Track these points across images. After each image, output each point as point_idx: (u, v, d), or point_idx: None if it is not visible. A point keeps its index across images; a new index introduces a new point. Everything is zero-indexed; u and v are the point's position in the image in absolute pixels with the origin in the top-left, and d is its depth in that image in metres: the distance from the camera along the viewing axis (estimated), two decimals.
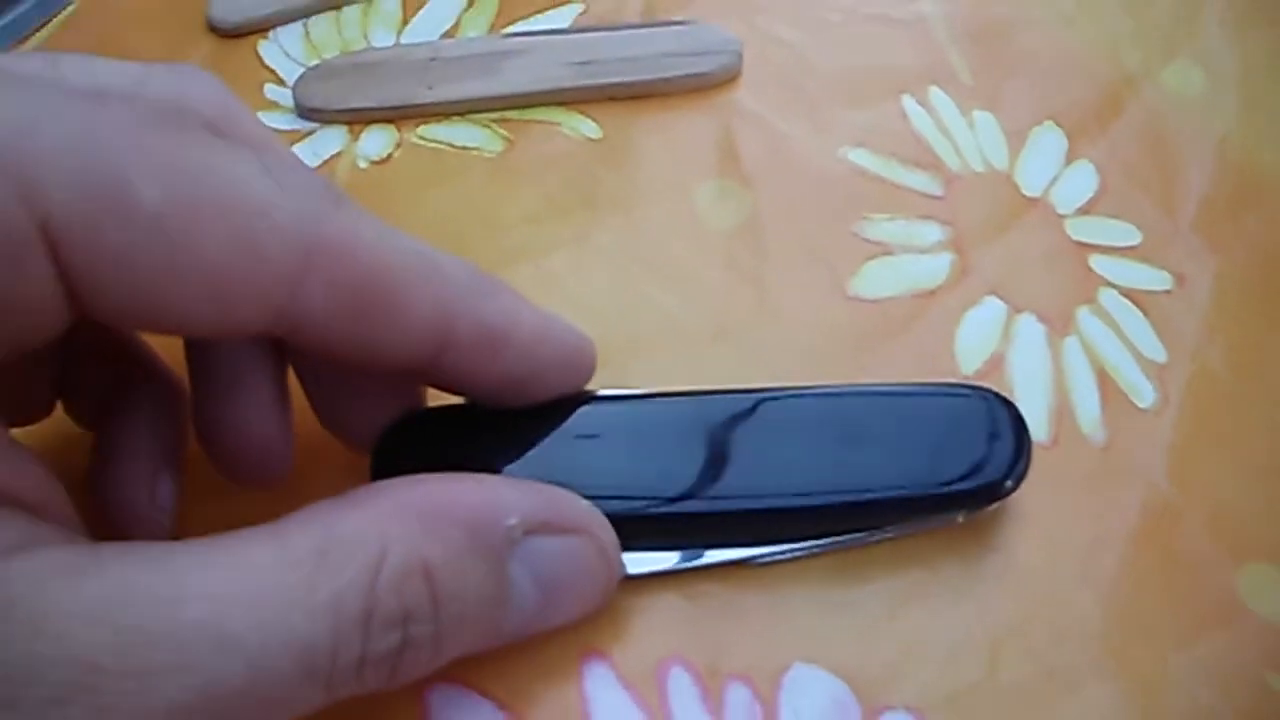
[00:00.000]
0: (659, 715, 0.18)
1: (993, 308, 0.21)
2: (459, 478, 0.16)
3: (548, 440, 0.19)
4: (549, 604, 0.17)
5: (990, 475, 0.18)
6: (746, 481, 0.18)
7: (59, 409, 0.19)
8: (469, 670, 0.18)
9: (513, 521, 0.16)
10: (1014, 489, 0.18)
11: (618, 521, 0.18)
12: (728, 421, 0.18)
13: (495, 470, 0.18)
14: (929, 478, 0.18)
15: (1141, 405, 0.21)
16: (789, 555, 0.19)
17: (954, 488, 0.18)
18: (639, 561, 0.19)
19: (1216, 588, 0.20)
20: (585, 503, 0.17)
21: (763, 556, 0.19)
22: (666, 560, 0.19)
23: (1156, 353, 0.21)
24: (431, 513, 0.15)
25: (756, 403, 0.19)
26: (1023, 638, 0.19)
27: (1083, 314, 0.22)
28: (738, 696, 0.19)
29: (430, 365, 0.17)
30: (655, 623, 0.19)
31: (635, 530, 0.18)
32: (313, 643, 0.13)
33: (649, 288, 0.22)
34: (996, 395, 0.19)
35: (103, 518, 0.18)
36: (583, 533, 0.17)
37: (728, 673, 0.19)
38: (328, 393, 0.19)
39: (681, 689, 0.19)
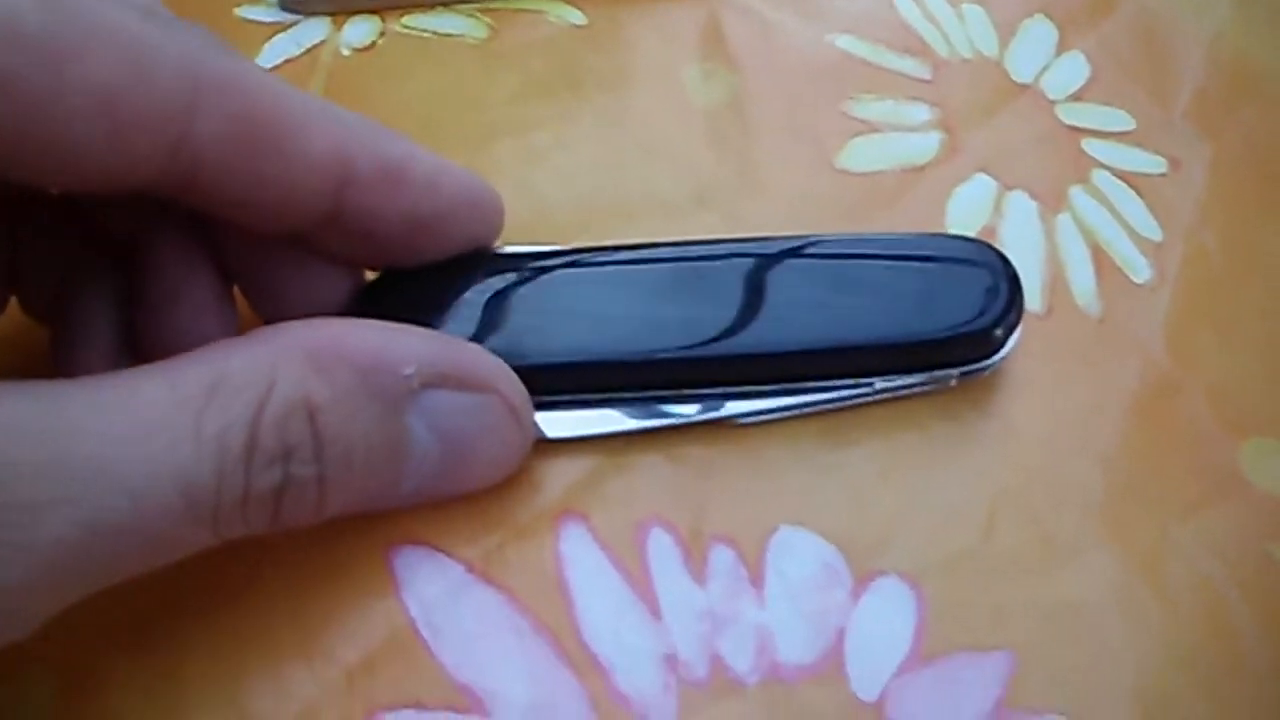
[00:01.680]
0: (638, 577, 0.18)
1: (983, 184, 0.21)
2: (358, 322, 0.16)
3: (522, 300, 0.18)
4: (453, 463, 0.16)
5: (981, 323, 0.17)
6: (729, 327, 0.17)
7: (14, 307, 0.19)
8: (437, 532, 0.18)
9: (409, 370, 0.15)
10: (1004, 339, 0.18)
11: (587, 369, 0.17)
12: (706, 270, 0.18)
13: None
14: (919, 323, 0.17)
15: (1137, 280, 0.20)
16: (775, 416, 0.18)
17: (944, 333, 0.17)
18: (615, 419, 0.18)
19: (1217, 461, 0.19)
20: (493, 358, 0.16)
21: (747, 415, 0.18)
22: (646, 419, 0.18)
23: (1152, 231, 0.21)
24: (323, 353, 0.15)
25: (735, 253, 0.18)
26: (1020, 504, 0.18)
27: (1076, 192, 0.21)
28: (721, 558, 0.18)
29: (333, 211, 0.16)
30: (635, 484, 0.18)
31: (608, 379, 0.17)
32: (198, 478, 0.13)
33: (633, 161, 0.21)
34: (990, 247, 0.18)
35: None
36: (488, 390, 0.16)
37: (711, 534, 0.18)
38: (265, 293, 0.18)
39: (662, 550, 0.18)
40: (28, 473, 0.12)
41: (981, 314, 0.17)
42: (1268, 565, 0.18)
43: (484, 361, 0.16)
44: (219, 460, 0.13)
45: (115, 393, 0.14)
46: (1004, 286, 0.18)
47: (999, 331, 0.18)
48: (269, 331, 0.15)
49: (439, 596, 0.18)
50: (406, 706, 0.17)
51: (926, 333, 0.17)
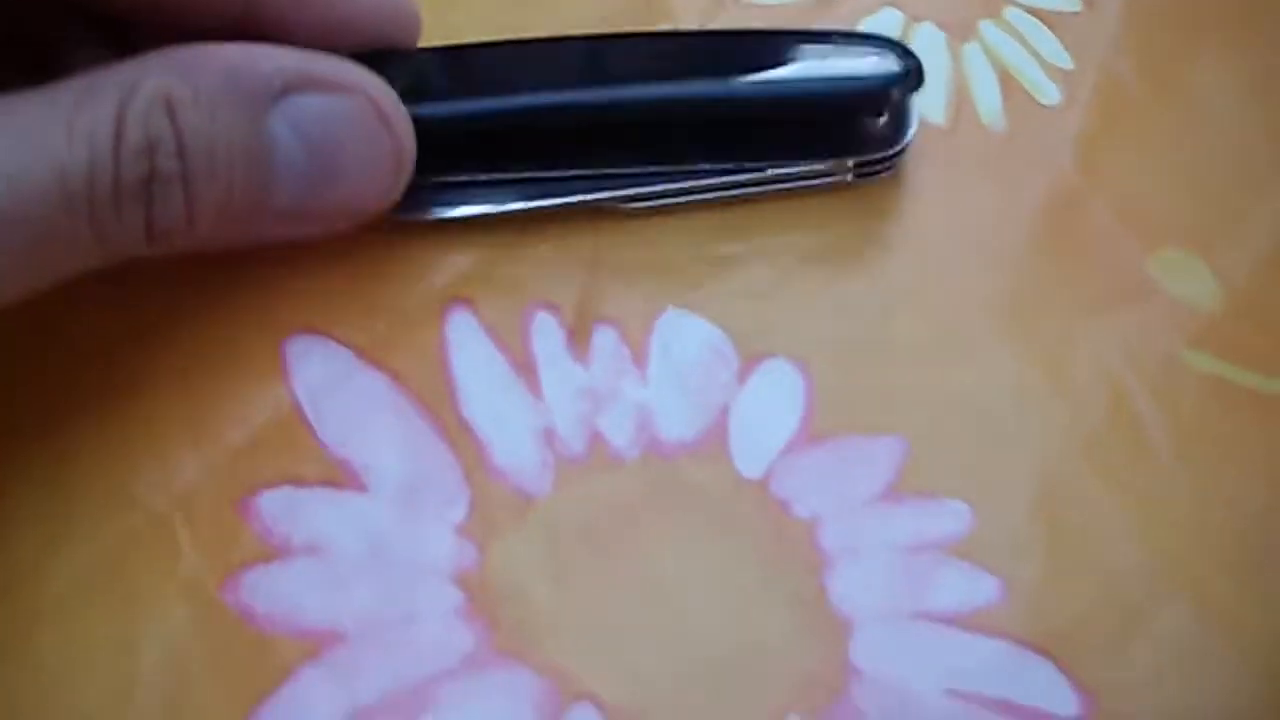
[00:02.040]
0: (520, 358, 0.17)
1: (890, 16, 0.21)
2: (229, 44, 0.16)
3: (431, 83, 0.18)
4: (322, 171, 0.16)
5: (874, 83, 0.17)
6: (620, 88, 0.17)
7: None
8: (328, 319, 0.18)
9: (270, 70, 0.15)
10: (901, 100, 0.18)
11: (479, 125, 0.17)
12: (611, 52, 0.18)
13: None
14: (814, 79, 0.17)
15: (1045, 102, 0.20)
16: (665, 201, 0.18)
17: (836, 84, 0.17)
18: (501, 197, 0.18)
19: (1126, 268, 0.19)
20: (360, 67, 0.16)
21: (636, 199, 0.18)
22: (533, 199, 0.18)
23: (1063, 61, 0.21)
24: (187, 59, 0.15)
25: (642, 41, 0.18)
26: (918, 300, 0.18)
27: (985, 25, 0.21)
28: (605, 339, 0.18)
29: (243, 17, 0.16)
30: (523, 271, 0.18)
31: (502, 146, 0.17)
32: (71, 165, 0.14)
33: None
34: (890, 40, 0.18)
35: None
36: (354, 92, 0.16)
37: (595, 317, 0.18)
38: None
39: (546, 333, 0.18)
40: None
41: (877, 76, 0.17)
42: (1175, 365, 0.18)
43: (349, 67, 0.16)
44: (90, 149, 0.14)
45: None
46: (901, 59, 0.17)
47: (895, 91, 0.17)
48: (144, 53, 0.15)
49: (325, 380, 0.17)
50: (286, 482, 0.17)
51: (822, 86, 0.17)
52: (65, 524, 0.17)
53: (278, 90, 0.15)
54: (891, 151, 0.18)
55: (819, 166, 0.18)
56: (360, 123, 0.16)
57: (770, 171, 0.18)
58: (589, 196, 0.18)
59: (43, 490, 0.17)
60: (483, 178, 0.18)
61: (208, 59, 0.15)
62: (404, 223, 0.18)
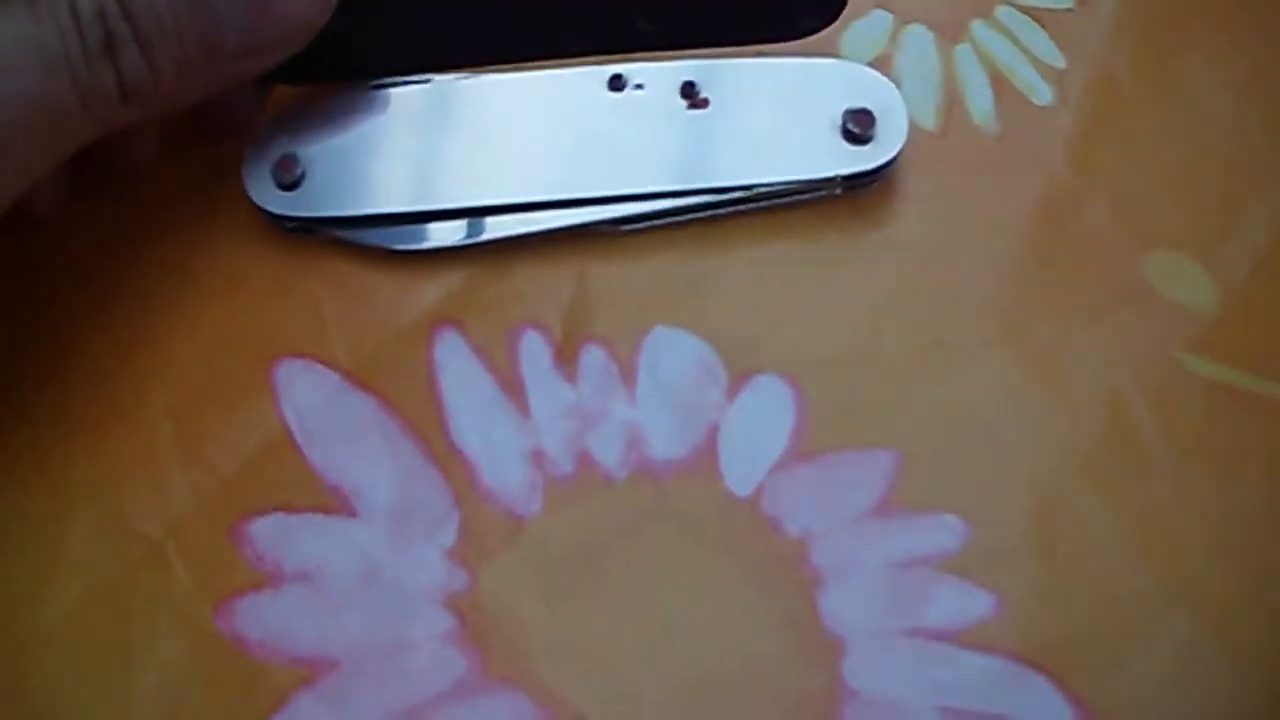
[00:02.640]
0: (509, 378, 0.17)
1: (880, 18, 0.20)
2: None
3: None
4: (259, 8, 0.17)
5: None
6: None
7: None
8: (317, 342, 0.18)
9: None
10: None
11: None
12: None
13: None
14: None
15: (1038, 102, 0.19)
16: (653, 224, 0.18)
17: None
18: (482, 228, 0.18)
19: (1123, 271, 0.18)
20: None
21: (626, 220, 0.18)
22: (521, 225, 0.18)
23: (1055, 59, 0.20)
24: None
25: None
26: (907, 310, 0.18)
27: (977, 25, 0.21)
28: (593, 358, 0.17)
29: None
30: (510, 290, 0.18)
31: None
32: (43, 36, 0.15)
33: None
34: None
35: None
36: None
37: (583, 336, 0.18)
38: None
39: (533, 351, 0.17)
40: None
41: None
42: (1173, 371, 0.17)
43: None
44: (55, 22, 0.16)
45: None
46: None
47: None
48: None
49: (315, 404, 0.17)
50: (277, 509, 0.17)
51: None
52: (59, 553, 0.17)
53: None
54: (879, 164, 0.18)
55: (807, 179, 0.18)
56: None
57: (757, 189, 0.18)
58: (575, 222, 0.18)
59: (36, 519, 0.17)
60: (471, 205, 0.18)
61: None
62: (394, 251, 0.18)
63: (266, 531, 0.17)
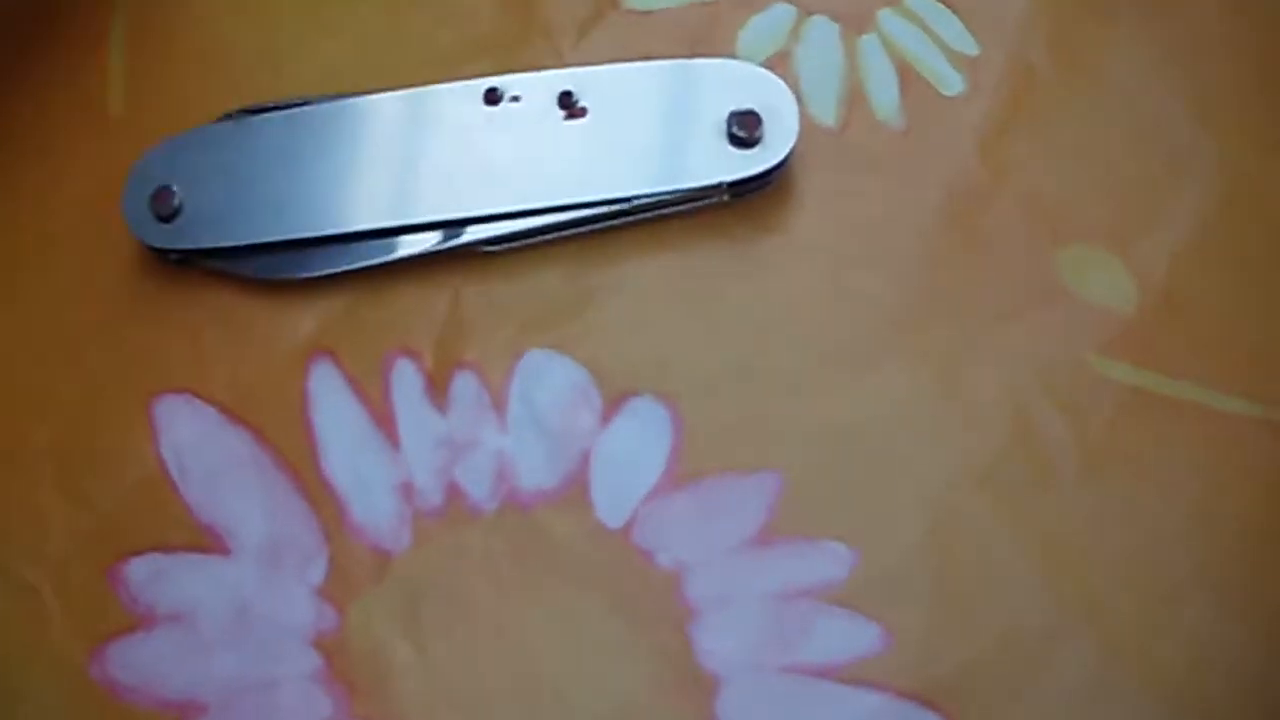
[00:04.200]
0: (380, 408, 0.17)
1: (781, 11, 0.19)
2: None
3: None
4: None
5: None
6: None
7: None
8: (196, 377, 0.17)
9: None
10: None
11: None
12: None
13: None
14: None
15: (947, 93, 0.18)
16: (531, 242, 0.17)
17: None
18: (361, 251, 0.17)
19: (1033, 270, 0.17)
20: None
21: (494, 241, 0.17)
22: (393, 250, 0.17)
23: (967, 46, 0.19)
24: None
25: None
26: (798, 321, 0.17)
27: (884, 14, 0.19)
28: (464, 385, 0.17)
29: None
30: (384, 316, 0.17)
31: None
32: None
33: (420, 23, 0.19)
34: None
35: None
36: None
37: (455, 362, 0.17)
38: None
39: (405, 381, 0.17)
40: None
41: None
42: (1084, 375, 0.16)
43: None
44: None
45: None
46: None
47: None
48: None
49: (192, 440, 0.17)
50: (153, 549, 0.17)
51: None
52: None
53: None
54: (766, 168, 0.17)
55: (689, 188, 0.17)
56: None
57: (637, 200, 0.17)
58: (450, 243, 0.17)
59: None
60: (346, 230, 0.17)
61: None
62: (269, 280, 0.18)
63: (141, 572, 0.16)
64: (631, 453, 0.16)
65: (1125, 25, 0.19)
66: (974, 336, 0.17)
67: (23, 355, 0.18)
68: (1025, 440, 0.16)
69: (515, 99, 0.18)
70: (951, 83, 0.19)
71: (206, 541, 0.16)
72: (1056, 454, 0.16)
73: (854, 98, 0.19)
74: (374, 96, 0.18)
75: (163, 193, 0.18)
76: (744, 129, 0.17)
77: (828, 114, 0.18)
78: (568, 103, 0.18)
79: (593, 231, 0.17)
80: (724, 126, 0.17)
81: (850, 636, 0.15)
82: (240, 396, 0.17)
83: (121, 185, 0.18)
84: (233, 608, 0.16)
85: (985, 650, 0.15)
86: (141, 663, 0.16)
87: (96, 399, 0.18)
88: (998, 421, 0.16)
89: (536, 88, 0.18)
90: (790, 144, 0.17)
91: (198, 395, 0.18)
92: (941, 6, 0.19)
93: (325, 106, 0.18)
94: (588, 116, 0.18)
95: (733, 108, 0.17)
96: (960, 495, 0.16)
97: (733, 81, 0.18)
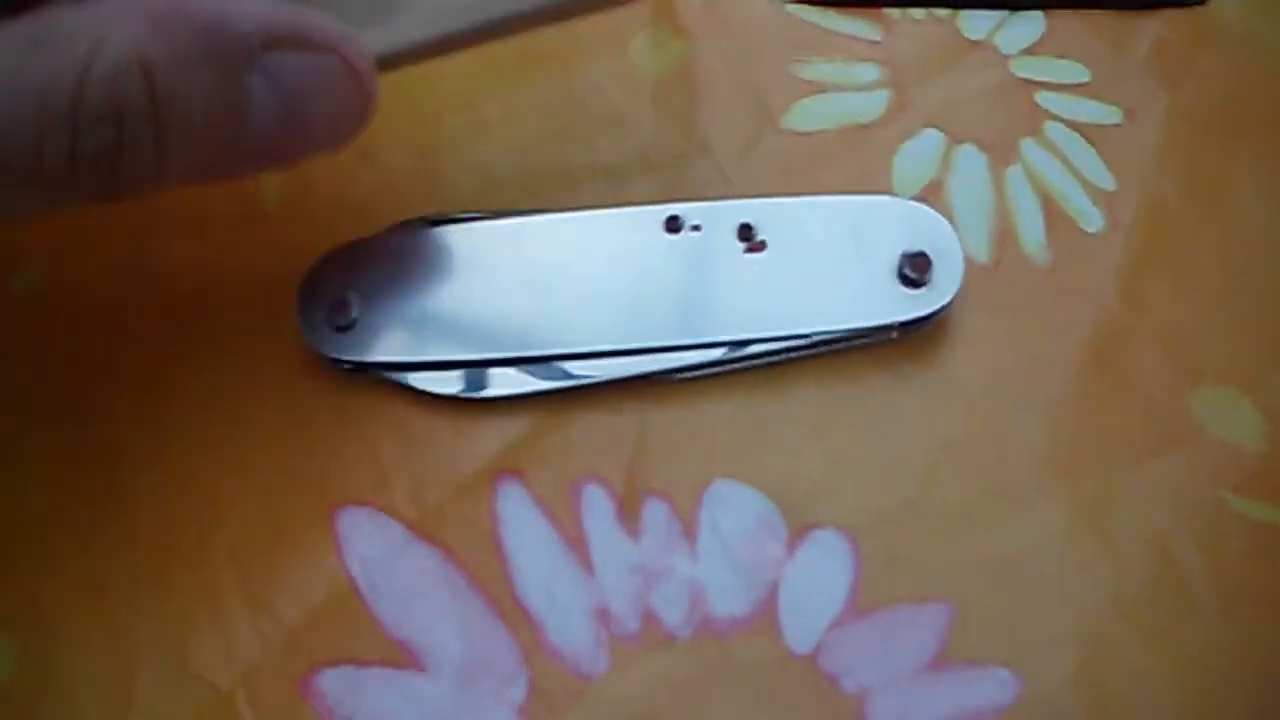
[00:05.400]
0: (572, 533, 0.18)
1: (931, 139, 0.20)
2: None
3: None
4: (292, 122, 0.16)
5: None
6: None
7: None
8: (379, 492, 0.18)
9: (250, 29, 0.15)
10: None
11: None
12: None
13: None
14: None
15: (1089, 229, 0.20)
16: (711, 372, 0.18)
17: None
18: (547, 373, 0.18)
19: (1171, 409, 0.19)
20: (337, 24, 0.16)
21: (683, 371, 0.18)
22: (581, 373, 0.18)
23: (1105, 181, 0.20)
24: (162, 14, 0.14)
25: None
26: (962, 456, 0.18)
27: (1027, 145, 0.21)
28: (655, 513, 0.18)
29: None
30: (571, 441, 0.18)
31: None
32: (13, 134, 0.13)
33: (580, 130, 0.21)
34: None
35: None
36: (330, 50, 0.16)
37: (645, 490, 0.18)
38: None
39: (596, 506, 0.18)
40: None
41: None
42: (1221, 512, 0.18)
43: (325, 24, 0.16)
44: (37, 116, 0.13)
45: None
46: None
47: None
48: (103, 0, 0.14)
49: (379, 555, 0.18)
50: (345, 662, 0.17)
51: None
52: (127, 694, 0.17)
53: (256, 47, 0.15)
54: (935, 309, 0.18)
55: (865, 326, 0.18)
56: (332, 77, 0.16)
57: (814, 337, 0.18)
58: (634, 372, 0.18)
59: (104, 660, 0.17)
60: (529, 355, 0.18)
61: (182, 10, 0.14)
62: (454, 398, 0.18)
63: (337, 684, 0.17)
64: (816, 583, 0.17)
65: (1251, 162, 0.20)
66: (1117, 476, 0.18)
67: (201, 462, 0.18)
68: (1168, 575, 0.17)
69: (696, 228, 0.19)
70: (1091, 218, 0.20)
71: (401, 657, 0.17)
72: (1197, 588, 0.17)
73: (1004, 234, 0.20)
74: (555, 216, 0.19)
75: (340, 303, 0.18)
76: (915, 270, 0.18)
77: (981, 250, 0.20)
78: (748, 235, 0.19)
79: (768, 364, 0.18)
80: (896, 266, 0.18)
81: None
82: (425, 513, 0.18)
83: (279, 284, 0.19)
84: None
85: None
86: None
87: (277, 507, 0.18)
88: (1141, 556, 0.17)
89: (717, 218, 0.19)
90: (956, 286, 0.18)
91: (380, 509, 0.18)
92: (1078, 137, 0.21)
93: (506, 223, 0.19)
94: (766, 250, 0.19)
95: (904, 248, 0.18)
96: (1111, 626, 0.17)
97: (904, 220, 0.19)
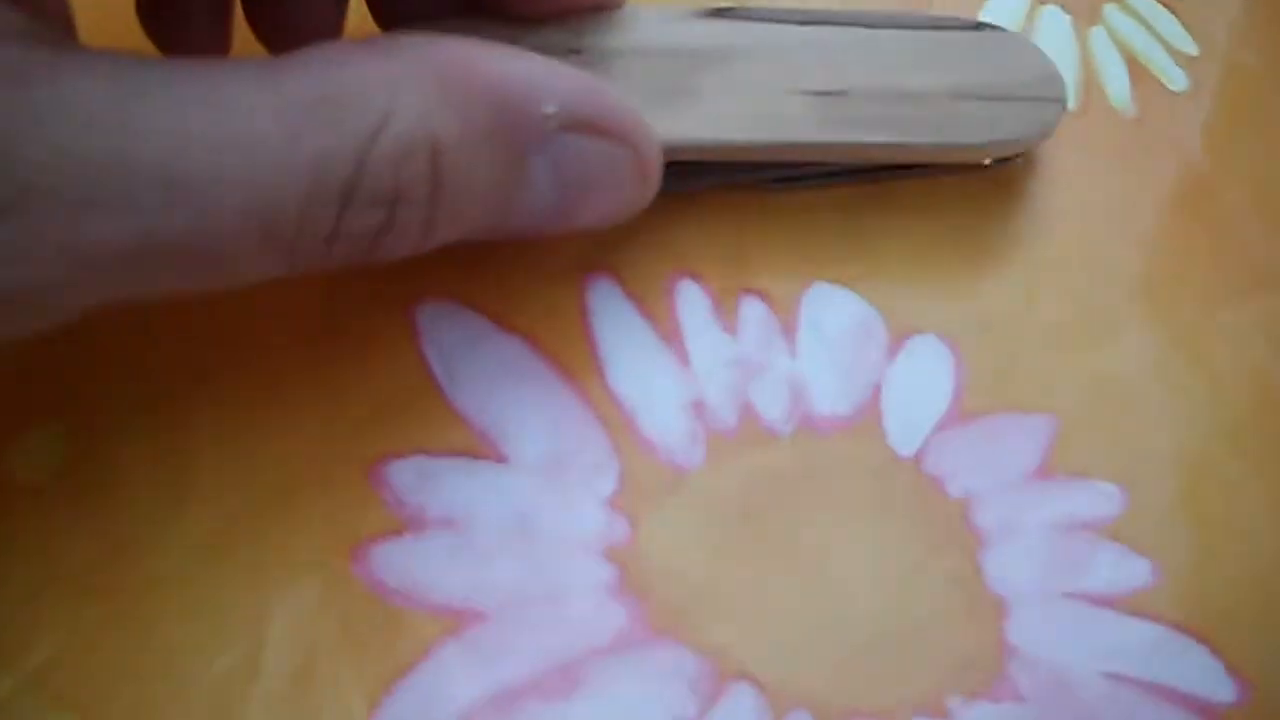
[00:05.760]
0: (666, 326, 0.17)
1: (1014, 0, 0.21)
2: (494, 46, 0.14)
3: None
4: (565, 208, 0.14)
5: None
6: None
7: None
8: (462, 287, 0.17)
9: (550, 110, 0.13)
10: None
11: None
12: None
13: None
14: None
15: (1173, 88, 0.20)
16: (809, 185, 0.18)
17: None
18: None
19: (1266, 254, 0.18)
20: (633, 109, 0.15)
21: (780, 178, 0.17)
22: (672, 184, 0.17)
23: (1187, 46, 0.20)
24: (456, 80, 0.13)
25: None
26: (1059, 279, 0.18)
27: (1110, 9, 0.21)
28: (753, 310, 0.17)
29: None
30: (665, 239, 0.17)
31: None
32: (279, 205, 0.12)
33: None
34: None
35: None
36: (625, 141, 0.14)
37: (741, 288, 0.17)
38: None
39: (691, 301, 0.17)
40: (80, 167, 0.11)
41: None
42: None
43: (626, 111, 0.15)
44: (309, 190, 0.12)
45: (198, 87, 0.12)
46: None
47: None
48: (390, 44, 0.13)
49: (458, 344, 0.17)
50: (416, 453, 0.16)
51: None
52: (186, 487, 0.16)
53: (553, 130, 0.13)
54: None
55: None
56: (619, 169, 0.15)
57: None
58: (731, 178, 0.17)
59: (159, 446, 0.16)
60: None
61: (478, 77, 0.13)
62: None
63: (407, 475, 0.16)
64: (919, 386, 0.16)
65: None
66: (1213, 310, 0.18)
67: None
68: (1266, 406, 0.17)
69: None
70: (1176, 78, 0.20)
71: (480, 447, 0.16)
72: None
73: (1090, 85, 0.20)
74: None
75: None
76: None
77: (1069, 96, 0.20)
78: None
79: (867, 181, 0.18)
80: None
81: (1124, 569, 0.16)
82: (511, 306, 0.17)
83: None
84: (513, 515, 0.16)
85: (1243, 592, 0.16)
86: (410, 566, 0.15)
87: (354, 303, 0.17)
88: (1239, 387, 0.17)
89: None
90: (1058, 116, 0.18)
91: (463, 302, 0.17)
92: (1160, 6, 0.21)
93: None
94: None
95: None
96: (1212, 450, 0.17)
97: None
